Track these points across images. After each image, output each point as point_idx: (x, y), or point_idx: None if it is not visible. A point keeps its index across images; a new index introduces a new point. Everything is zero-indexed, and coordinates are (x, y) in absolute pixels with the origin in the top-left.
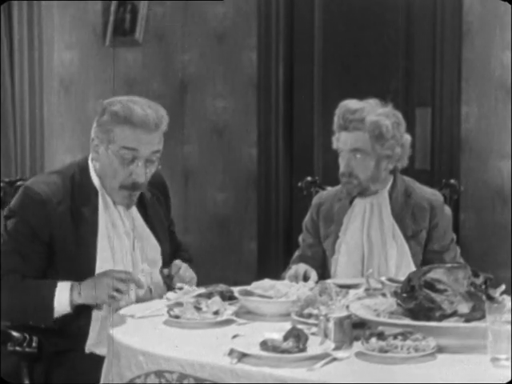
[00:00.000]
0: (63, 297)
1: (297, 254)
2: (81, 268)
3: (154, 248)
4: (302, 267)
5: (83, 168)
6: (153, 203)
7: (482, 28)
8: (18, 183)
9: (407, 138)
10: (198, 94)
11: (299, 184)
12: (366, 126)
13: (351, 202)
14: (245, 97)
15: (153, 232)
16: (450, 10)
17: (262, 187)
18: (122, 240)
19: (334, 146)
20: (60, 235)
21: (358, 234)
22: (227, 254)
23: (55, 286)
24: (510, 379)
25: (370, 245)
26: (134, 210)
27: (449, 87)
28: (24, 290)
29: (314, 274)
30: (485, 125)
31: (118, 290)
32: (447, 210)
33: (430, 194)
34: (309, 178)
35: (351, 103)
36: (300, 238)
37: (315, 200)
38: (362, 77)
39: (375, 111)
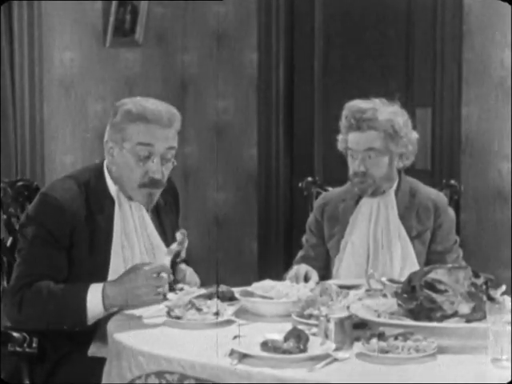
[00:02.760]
0: (96, 300)
1: (300, 254)
2: (93, 276)
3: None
4: (302, 268)
5: (98, 174)
6: (166, 211)
7: (482, 28)
8: (19, 184)
9: (415, 135)
10: (198, 94)
11: (300, 184)
12: (380, 125)
13: (357, 202)
14: (245, 97)
15: (164, 241)
16: (450, 10)
17: (263, 187)
18: (134, 249)
19: (340, 147)
20: (77, 241)
21: (365, 234)
22: (227, 255)
23: (87, 289)
24: (510, 379)
25: (376, 245)
26: (148, 218)
27: (449, 87)
28: (56, 294)
29: (314, 275)
30: (485, 125)
31: (160, 287)
32: (451, 211)
33: (434, 195)
34: (309, 179)
35: (360, 103)
36: (303, 239)
37: (319, 201)
38: (363, 77)
39: (386, 110)
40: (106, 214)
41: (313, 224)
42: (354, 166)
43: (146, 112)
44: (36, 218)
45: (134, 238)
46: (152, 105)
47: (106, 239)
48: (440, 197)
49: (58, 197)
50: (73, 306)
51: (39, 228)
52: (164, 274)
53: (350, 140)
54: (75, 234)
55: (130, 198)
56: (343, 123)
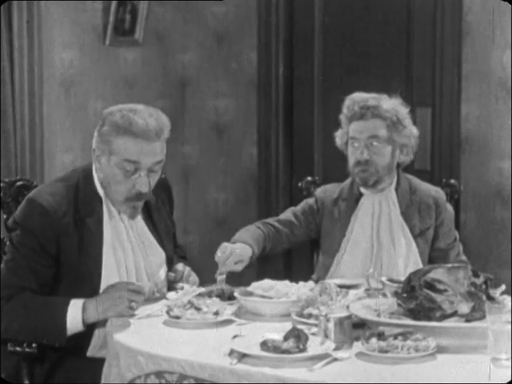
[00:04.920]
0: (76, 316)
1: (282, 216)
2: (86, 279)
3: (158, 255)
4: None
5: (87, 176)
6: (158, 208)
7: (482, 28)
8: (18, 183)
9: (415, 130)
10: (198, 93)
11: (299, 184)
12: (384, 113)
13: (357, 201)
14: (245, 97)
15: (158, 239)
16: (449, 9)
17: (262, 187)
18: (126, 250)
19: (340, 142)
20: (65, 247)
21: (367, 233)
22: None
23: (67, 305)
24: (510, 379)
25: (379, 243)
26: (139, 217)
27: (449, 87)
28: (36, 308)
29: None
30: (485, 125)
31: (133, 301)
32: (449, 207)
33: (434, 192)
34: (309, 178)
35: (362, 94)
36: (292, 209)
37: (320, 193)
38: (362, 77)
39: (389, 100)
40: (95, 216)
41: (310, 210)
42: (356, 154)
43: (133, 126)
44: (21, 223)
45: (125, 239)
46: (140, 118)
47: (96, 242)
48: (439, 193)
49: (43, 203)
50: (52, 324)
51: (25, 234)
52: (141, 290)
53: (352, 129)
54: (63, 239)
55: (116, 208)
56: (345, 114)
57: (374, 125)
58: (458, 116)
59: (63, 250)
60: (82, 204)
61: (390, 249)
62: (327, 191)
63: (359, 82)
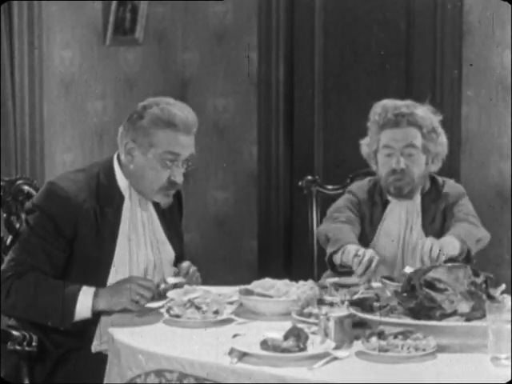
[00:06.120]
0: (86, 302)
1: (339, 218)
2: (97, 268)
3: (168, 254)
4: (368, 252)
5: (108, 169)
6: (171, 212)
7: (482, 27)
8: (18, 182)
9: (445, 138)
10: (199, 93)
11: (299, 183)
12: (419, 121)
13: (384, 207)
14: (245, 96)
15: (170, 240)
16: (449, 9)
17: (263, 186)
18: (140, 243)
19: (367, 150)
20: (82, 233)
21: (394, 241)
22: (228, 253)
23: (79, 291)
24: (510, 379)
25: (405, 249)
26: (154, 214)
27: (449, 87)
28: (47, 288)
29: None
30: (485, 125)
31: (141, 296)
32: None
33: (453, 189)
34: (309, 177)
35: (393, 101)
36: (341, 207)
37: (353, 197)
38: (362, 76)
39: (421, 107)
40: (114, 206)
41: (353, 204)
42: (390, 163)
43: (175, 119)
44: (40, 206)
45: (141, 232)
46: (179, 111)
47: (112, 232)
48: (458, 188)
49: (64, 187)
50: (61, 305)
51: (42, 216)
52: (151, 287)
53: (385, 137)
54: (80, 225)
55: (146, 198)
56: (376, 121)
57: (411, 133)
58: (458, 116)
59: (79, 236)
60: (102, 194)
61: (412, 260)
62: (359, 190)
63: (359, 81)
